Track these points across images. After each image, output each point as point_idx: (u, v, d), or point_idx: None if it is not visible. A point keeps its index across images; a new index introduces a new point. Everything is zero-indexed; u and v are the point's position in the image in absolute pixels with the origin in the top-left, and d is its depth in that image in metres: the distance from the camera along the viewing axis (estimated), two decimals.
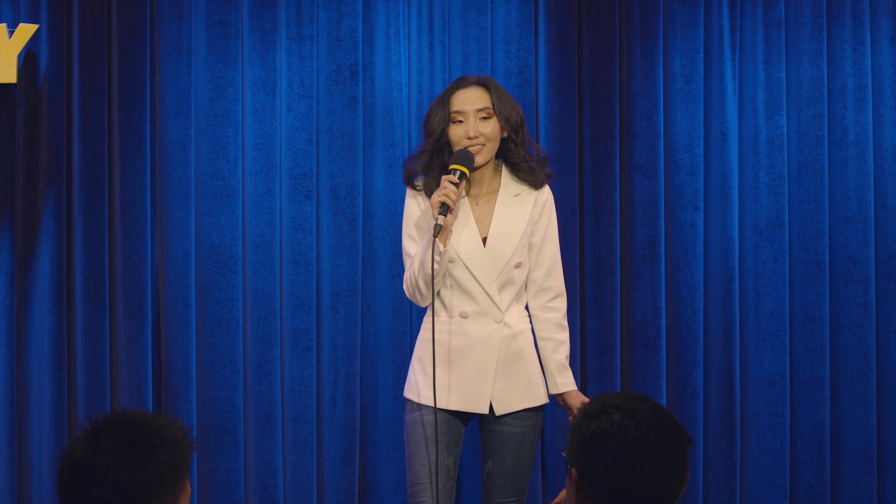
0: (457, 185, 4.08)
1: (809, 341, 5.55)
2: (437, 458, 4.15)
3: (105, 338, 5.02)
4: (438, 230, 4.05)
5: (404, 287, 4.21)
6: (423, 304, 4.22)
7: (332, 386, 5.17)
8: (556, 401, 4.32)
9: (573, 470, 2.41)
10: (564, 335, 4.29)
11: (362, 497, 5.23)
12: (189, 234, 5.07)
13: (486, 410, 4.18)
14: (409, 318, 5.23)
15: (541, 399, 4.24)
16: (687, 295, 5.45)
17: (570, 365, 5.29)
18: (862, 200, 5.58)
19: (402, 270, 5.21)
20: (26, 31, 4.89)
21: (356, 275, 5.18)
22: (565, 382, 4.27)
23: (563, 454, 2.50)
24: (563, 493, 2.53)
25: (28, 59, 4.97)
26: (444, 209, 4.05)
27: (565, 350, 4.28)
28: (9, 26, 4.90)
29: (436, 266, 4.09)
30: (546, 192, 4.28)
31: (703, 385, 5.48)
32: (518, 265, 4.21)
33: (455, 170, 4.11)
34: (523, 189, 4.25)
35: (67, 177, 5.02)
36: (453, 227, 4.17)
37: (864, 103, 5.58)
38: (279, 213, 5.15)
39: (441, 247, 4.08)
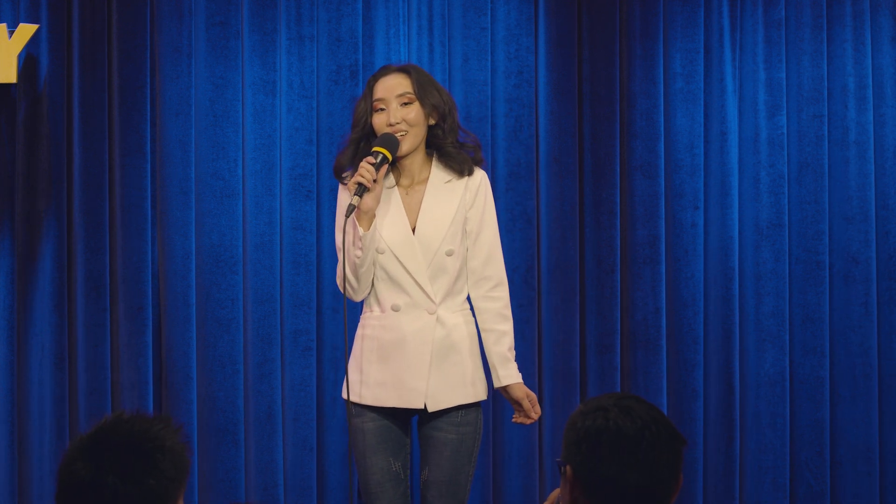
0: (376, 166, 3.94)
1: (810, 341, 5.54)
2: (382, 466, 4.03)
3: (106, 338, 5.03)
4: (352, 210, 3.92)
5: (337, 282, 4.08)
6: (357, 298, 4.07)
7: (333, 385, 5.18)
8: (501, 394, 4.16)
9: (568, 468, 2.41)
10: (507, 325, 4.11)
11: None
12: (189, 234, 5.08)
13: (420, 405, 4.01)
14: None
15: (478, 395, 4.07)
16: (687, 295, 5.45)
17: (570, 365, 5.32)
18: (863, 200, 5.57)
19: None
20: (26, 31, 4.90)
21: None
22: (508, 375, 4.08)
23: (556, 460, 2.50)
24: (554, 494, 2.52)
25: (28, 59, 4.98)
26: (361, 189, 3.92)
27: (508, 341, 4.10)
28: (9, 26, 4.91)
29: (358, 252, 3.96)
30: (479, 177, 4.11)
31: (704, 385, 5.48)
32: (450, 253, 4.05)
33: (376, 152, 3.98)
34: (453, 176, 4.10)
35: (68, 177, 5.02)
36: (382, 217, 4.05)
37: (865, 103, 5.58)
38: (279, 213, 5.16)
39: (361, 231, 3.95)
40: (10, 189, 5.00)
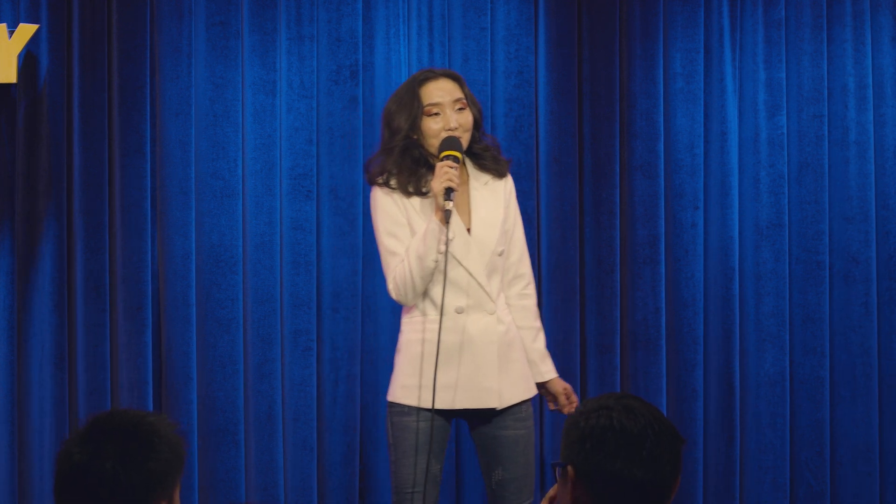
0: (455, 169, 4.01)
1: (810, 341, 5.54)
2: (427, 467, 4.09)
3: (105, 338, 5.03)
4: (450, 215, 3.96)
5: (392, 286, 4.08)
6: (410, 303, 4.09)
7: (333, 386, 5.18)
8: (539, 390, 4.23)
9: (569, 468, 2.41)
10: (540, 322, 4.24)
11: (362, 497, 5.23)
12: (189, 234, 5.08)
13: (495, 404, 4.08)
14: None
15: (533, 390, 4.19)
16: (687, 295, 5.45)
17: (570, 365, 5.33)
18: (863, 200, 5.57)
19: None
20: (26, 31, 4.90)
21: (356, 275, 5.18)
22: (548, 370, 4.21)
23: (554, 462, 2.50)
24: (551, 493, 2.51)
25: (28, 59, 4.97)
26: (449, 193, 3.95)
27: (543, 337, 4.23)
28: (9, 26, 4.91)
29: (439, 256, 4.01)
30: (510, 179, 4.21)
31: (704, 385, 5.48)
32: (501, 253, 4.13)
33: (449, 156, 4.02)
34: (489, 177, 4.17)
35: (68, 177, 5.02)
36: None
37: (865, 103, 5.58)
38: (279, 213, 5.15)
39: (451, 233, 4.01)
40: (10, 189, 5.00)
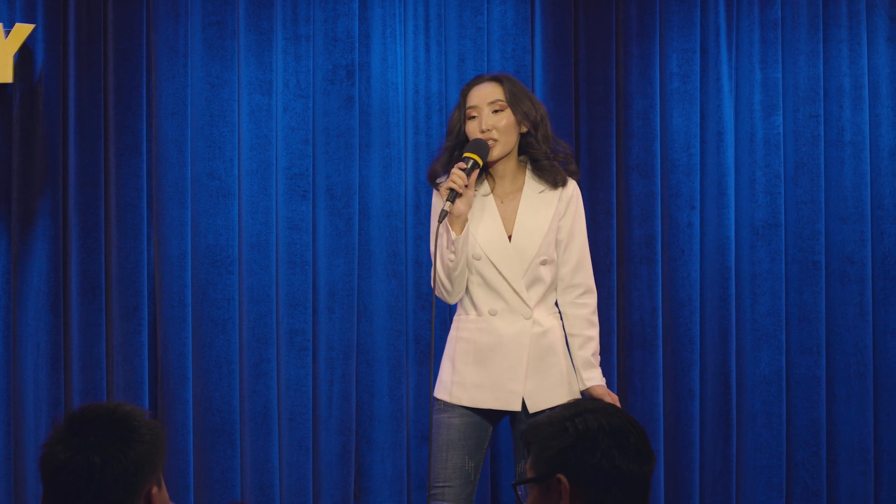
0: (466, 171, 4.10)
1: (806, 341, 5.55)
2: (459, 462, 4.17)
3: (101, 338, 5.02)
4: (444, 216, 4.07)
5: (432, 284, 4.22)
6: (451, 301, 4.23)
7: (329, 386, 5.17)
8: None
9: (562, 478, 2.41)
10: (593, 331, 4.30)
11: (358, 497, 5.23)
12: (185, 233, 5.07)
13: (518, 408, 4.18)
14: (405, 318, 5.23)
15: (574, 393, 4.26)
16: (684, 295, 5.45)
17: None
18: (858, 200, 5.58)
19: (399, 271, 5.23)
20: (22, 30, 4.89)
21: (352, 275, 5.18)
22: (591, 378, 4.26)
23: (514, 483, 2.53)
24: None
25: (24, 58, 4.97)
26: (452, 195, 4.08)
27: (593, 346, 4.29)
28: (5, 26, 4.90)
29: (451, 255, 4.10)
30: (571, 188, 4.28)
31: (700, 385, 5.48)
32: (544, 262, 4.22)
33: (467, 158, 4.13)
34: (546, 186, 4.26)
35: (63, 177, 5.01)
36: (479, 224, 4.20)
37: (861, 103, 5.59)
38: (275, 213, 5.15)
39: (453, 235, 4.09)
40: (6, 188, 4.99)
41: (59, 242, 5.01)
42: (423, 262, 5.22)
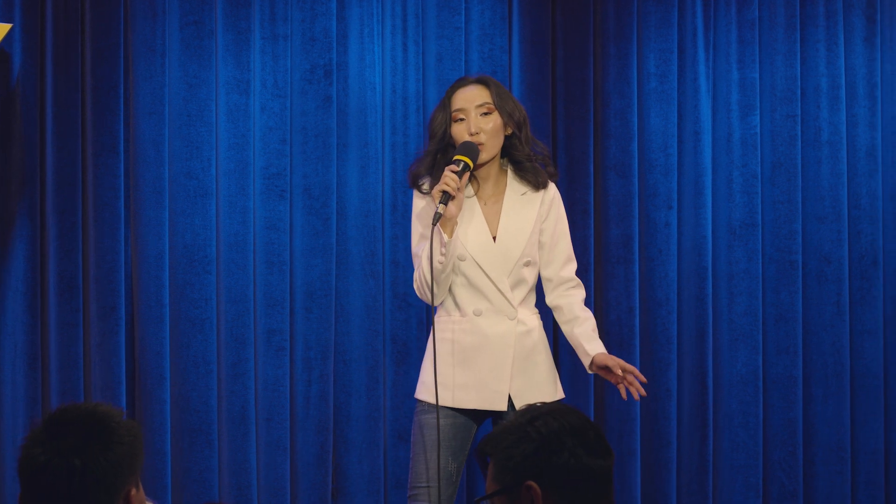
0: (458, 174, 4.10)
1: (783, 341, 5.56)
2: (437, 463, 4.16)
3: (79, 338, 5.01)
4: (438, 218, 4.07)
5: (415, 286, 4.22)
6: (434, 303, 4.19)
7: (306, 386, 5.17)
8: (594, 374, 4.27)
9: (533, 486, 2.38)
10: (588, 314, 4.30)
11: (335, 496, 5.23)
12: (163, 233, 5.07)
13: (504, 407, 4.19)
14: (382, 318, 5.23)
15: (559, 393, 4.28)
16: (661, 294, 5.46)
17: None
18: (835, 200, 5.59)
19: (377, 271, 5.22)
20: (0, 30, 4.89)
21: (330, 274, 5.18)
22: (593, 348, 4.22)
23: (477, 500, 2.47)
24: None
25: (1, 58, 4.96)
26: (445, 198, 4.07)
27: (591, 323, 4.27)
28: None
29: (441, 258, 4.10)
30: (552, 190, 4.30)
31: (677, 384, 5.49)
32: (527, 263, 4.24)
33: (458, 160, 4.13)
34: (528, 188, 4.27)
35: (41, 177, 5.00)
36: (464, 225, 4.20)
37: (838, 103, 5.60)
38: (253, 212, 5.15)
39: (445, 237, 4.10)
40: None
41: (37, 242, 5.00)
42: (401, 262, 5.22)
